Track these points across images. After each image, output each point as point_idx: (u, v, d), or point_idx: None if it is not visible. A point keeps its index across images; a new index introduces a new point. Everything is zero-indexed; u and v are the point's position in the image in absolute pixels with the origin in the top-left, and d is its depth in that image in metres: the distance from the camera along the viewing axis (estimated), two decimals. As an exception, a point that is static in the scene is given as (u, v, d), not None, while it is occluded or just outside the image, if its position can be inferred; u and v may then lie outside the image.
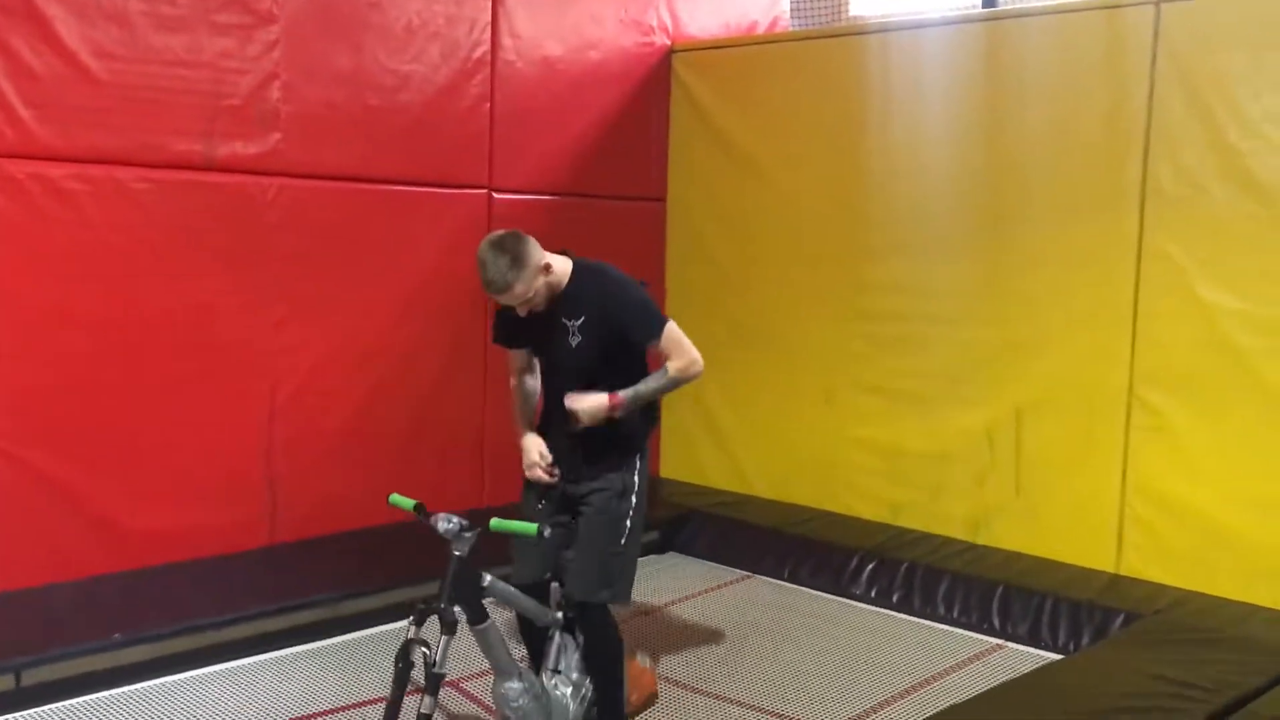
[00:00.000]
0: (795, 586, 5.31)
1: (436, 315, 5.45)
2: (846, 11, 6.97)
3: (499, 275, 3.14)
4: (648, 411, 3.50)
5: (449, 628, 2.96)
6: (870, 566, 5.16)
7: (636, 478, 3.45)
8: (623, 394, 3.29)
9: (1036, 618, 4.65)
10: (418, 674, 2.98)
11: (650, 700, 3.91)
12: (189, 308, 4.65)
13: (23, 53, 4.12)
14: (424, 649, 2.95)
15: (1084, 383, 5.05)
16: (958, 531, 5.45)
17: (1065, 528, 5.13)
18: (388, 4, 5.14)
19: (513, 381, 3.55)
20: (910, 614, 4.94)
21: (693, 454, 6.59)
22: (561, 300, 3.33)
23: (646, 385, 3.34)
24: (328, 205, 5.03)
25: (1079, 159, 5.02)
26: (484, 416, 5.74)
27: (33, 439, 4.29)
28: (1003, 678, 4.07)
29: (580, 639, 3.49)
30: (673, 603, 5.04)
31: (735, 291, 6.34)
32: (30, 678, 3.71)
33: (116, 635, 3.91)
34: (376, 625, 4.51)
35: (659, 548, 5.77)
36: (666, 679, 4.15)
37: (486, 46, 5.56)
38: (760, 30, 6.95)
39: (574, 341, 3.33)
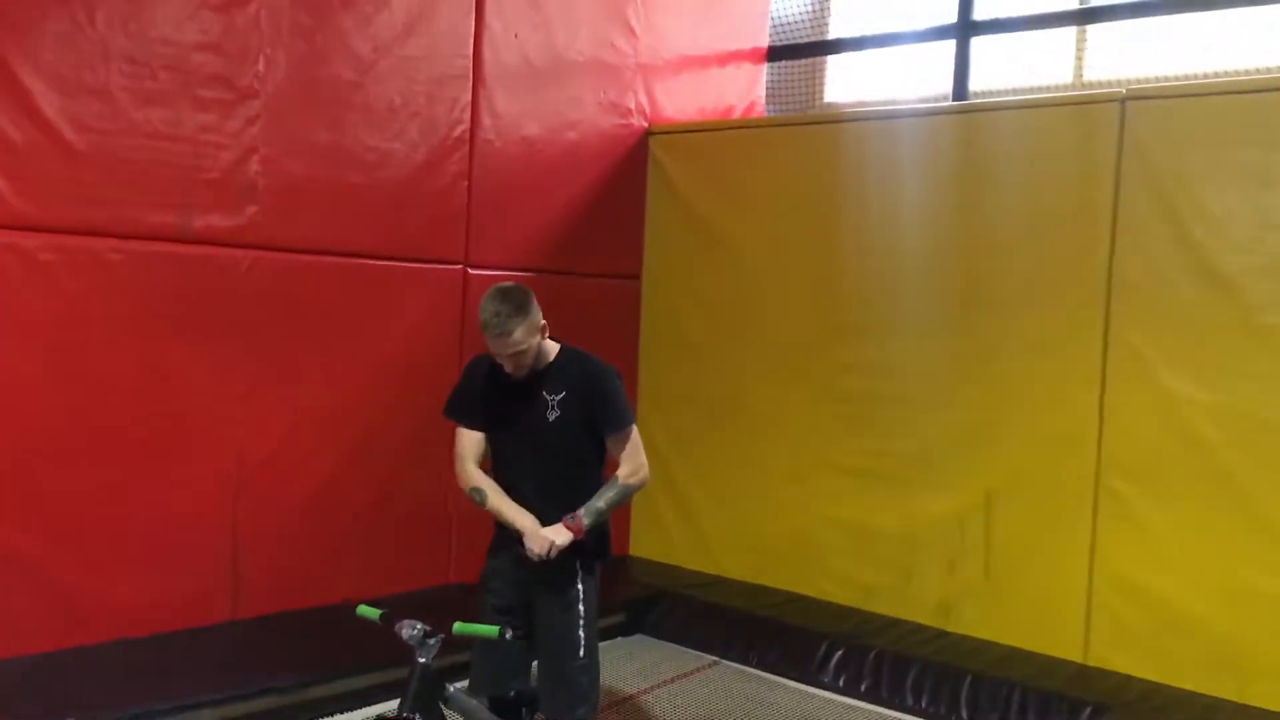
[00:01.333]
0: (763, 674, 5.25)
1: (407, 388, 5.43)
2: (821, 99, 7.12)
3: (501, 319, 3.17)
4: (603, 533, 3.50)
5: None
6: (839, 654, 5.12)
7: (581, 587, 3.42)
8: (582, 515, 3.31)
9: (1005, 709, 4.62)
10: None
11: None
12: (158, 377, 4.62)
13: (2, 124, 4.13)
14: None
15: (1051, 469, 5.08)
16: (928, 617, 5.43)
17: (1033, 615, 5.12)
18: (370, 83, 5.21)
19: (470, 467, 3.44)
20: (878, 704, 4.90)
21: (663, 532, 6.56)
22: (545, 374, 3.37)
23: (601, 500, 3.37)
24: (302, 278, 5.04)
25: (1048, 247, 5.11)
26: (451, 491, 5.68)
27: (-8, 510, 4.22)
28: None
29: None
30: (640, 693, 4.97)
31: (709, 369, 6.37)
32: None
33: (69, 718, 3.80)
34: (340, 713, 4.42)
35: (626, 630, 5.71)
36: None
37: (467, 125, 5.62)
38: (736, 114, 7.07)
39: (552, 416, 3.34)
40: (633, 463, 3.41)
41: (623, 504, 3.46)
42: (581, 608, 3.40)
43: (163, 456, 4.67)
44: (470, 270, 5.71)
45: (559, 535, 3.27)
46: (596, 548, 3.47)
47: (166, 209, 4.58)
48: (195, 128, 4.62)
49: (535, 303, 3.27)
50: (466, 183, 5.65)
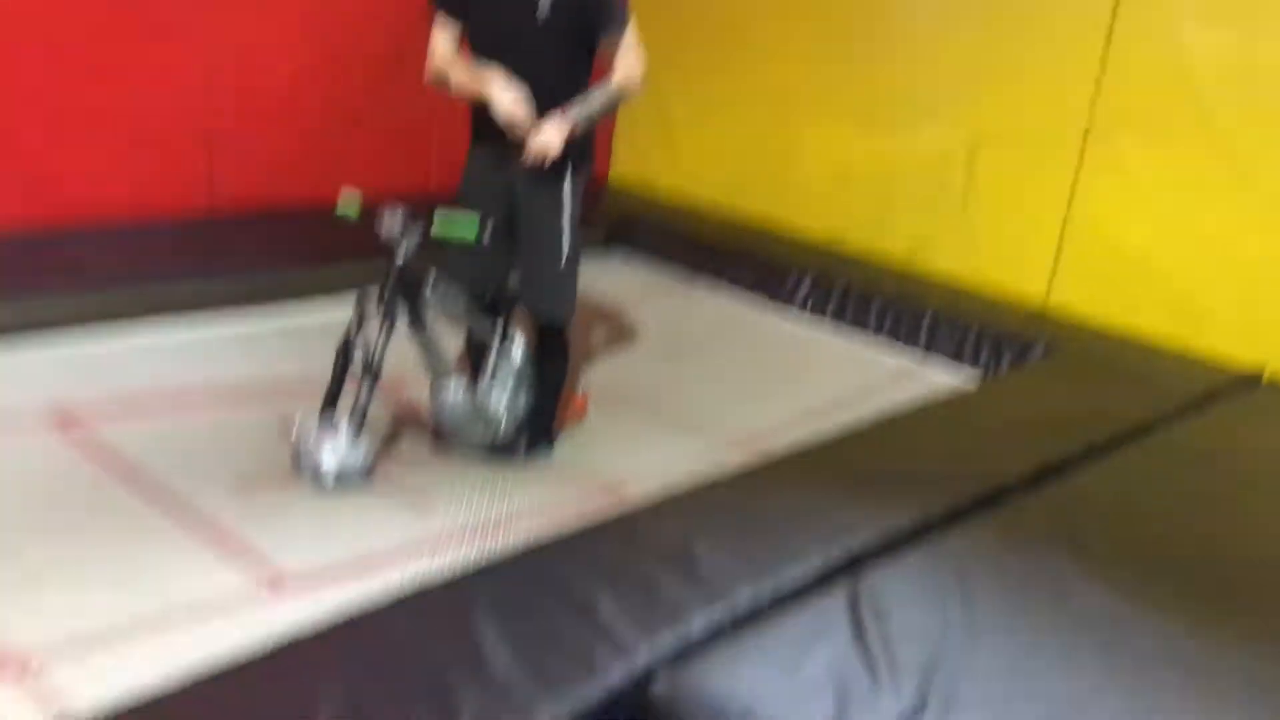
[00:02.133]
0: (737, 297, 5.39)
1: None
2: None
3: None
4: (588, 132, 3.33)
5: (388, 326, 2.99)
6: (809, 281, 5.22)
7: (568, 186, 3.33)
8: (573, 111, 3.13)
9: (961, 342, 4.78)
10: (356, 369, 3.03)
11: (576, 420, 3.88)
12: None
13: None
14: (364, 344, 3.00)
15: (1044, 115, 4.96)
16: (899, 256, 5.51)
17: (1004, 255, 5.18)
18: None
19: (437, 60, 3.26)
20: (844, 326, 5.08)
21: (644, 157, 6.49)
22: None
23: (593, 100, 3.18)
24: None
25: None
26: (434, 96, 5.53)
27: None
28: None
29: (518, 352, 3.49)
30: (620, 308, 5.03)
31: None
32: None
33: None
34: (315, 305, 4.44)
35: (605, 246, 5.76)
36: (596, 392, 4.06)
37: None
38: None
39: (541, 16, 3.12)
40: (631, 65, 3.20)
41: (614, 108, 3.30)
42: (567, 209, 3.33)
43: (134, 40, 4.49)
44: None
45: (558, 133, 3.09)
46: (583, 149, 3.35)
47: None
48: None
49: None
50: None
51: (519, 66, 3.16)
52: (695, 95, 6.20)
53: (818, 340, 5.00)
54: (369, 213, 3.09)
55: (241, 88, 4.87)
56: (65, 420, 3.37)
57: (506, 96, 3.08)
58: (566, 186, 3.33)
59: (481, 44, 3.24)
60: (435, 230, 3.07)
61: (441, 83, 3.28)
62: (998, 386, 4.24)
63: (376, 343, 3.02)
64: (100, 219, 4.57)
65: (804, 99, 5.78)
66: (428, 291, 3.20)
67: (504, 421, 3.46)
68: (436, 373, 3.32)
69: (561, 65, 3.20)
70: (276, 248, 4.66)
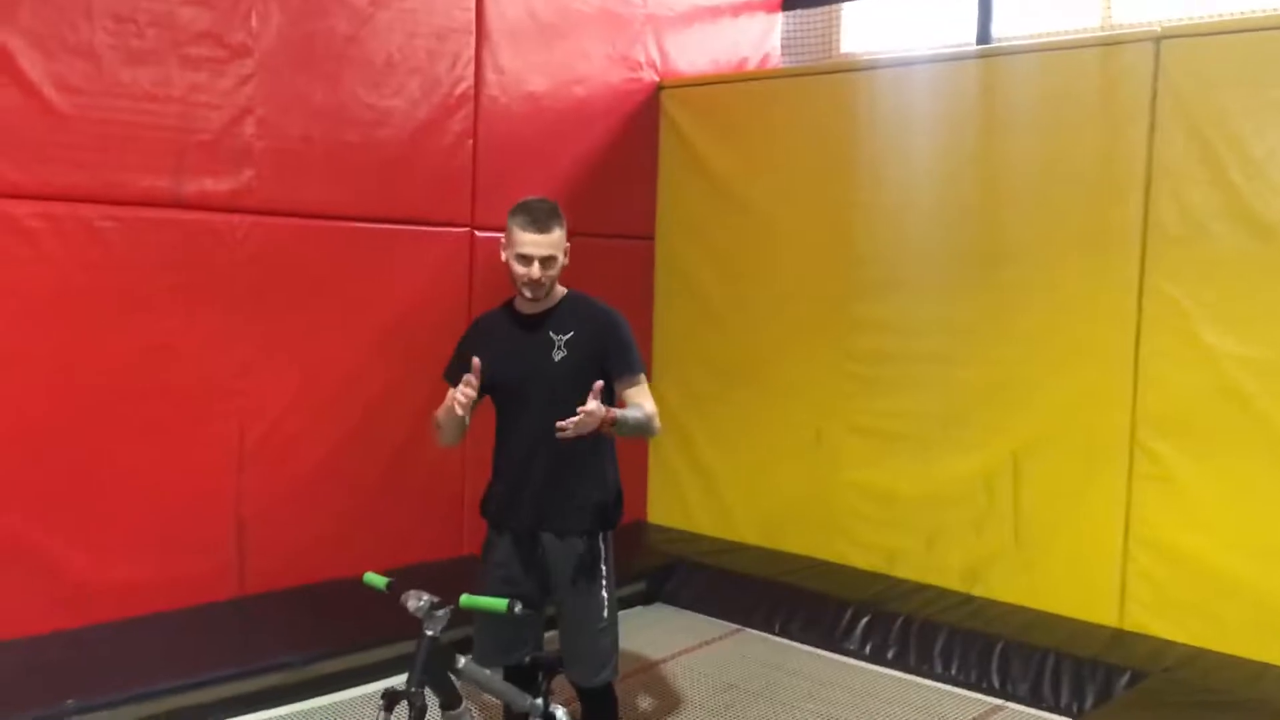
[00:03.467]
0: (787, 642, 5.10)
1: (414, 356, 5.24)
2: (838, 48, 6.87)
3: (545, 214, 3.12)
4: (618, 492, 3.36)
5: (419, 713, 2.76)
6: (864, 620, 4.96)
7: (603, 547, 3.31)
8: (617, 411, 3.08)
9: (1038, 676, 4.45)
10: None
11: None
12: (153, 349, 4.46)
13: (-17, 87, 3.97)
14: None
15: (1083, 426, 4.88)
16: (954, 582, 5.26)
17: (1065, 578, 4.94)
18: (367, 37, 5.00)
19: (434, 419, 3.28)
20: (906, 671, 4.75)
21: (680, 498, 6.41)
22: (552, 312, 3.24)
23: (631, 413, 3.14)
24: (301, 243, 4.86)
25: (1078, 197, 4.88)
26: (464, 458, 5.54)
27: (-15, 488, 4.09)
28: (1004, 742, 3.89)
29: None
30: (660, 661, 4.83)
31: (723, 330, 6.18)
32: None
33: (70, 702, 3.68)
34: (349, 688, 4.30)
35: (646, 599, 5.57)
36: None
37: (470, 82, 5.42)
38: (750, 66, 6.83)
39: (558, 356, 3.18)
40: (650, 405, 3.21)
41: (641, 435, 3.24)
42: (604, 568, 3.28)
43: (162, 431, 4.51)
44: (477, 233, 5.53)
45: (599, 411, 2.95)
46: (615, 506, 3.34)
47: (158, 173, 4.40)
48: (186, 87, 4.44)
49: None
50: (471, 141, 5.45)
51: (540, 410, 3.13)
52: (723, 434, 6.19)
53: (880, 684, 4.66)
54: (395, 586, 2.94)
55: (272, 471, 4.86)
56: None
57: (457, 391, 3.02)
58: (602, 545, 3.29)
59: (501, 391, 3.25)
60: (463, 602, 2.92)
61: (437, 428, 3.27)
62: (1090, 726, 3.88)
63: None
64: (124, 615, 4.43)
65: (833, 428, 5.74)
66: (459, 667, 2.99)
67: None
68: None
69: (581, 403, 3.06)
70: (310, 634, 4.48)
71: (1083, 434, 4.89)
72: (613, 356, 3.21)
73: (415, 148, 5.23)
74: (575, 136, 5.97)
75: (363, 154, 5.03)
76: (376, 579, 2.99)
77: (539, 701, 3.22)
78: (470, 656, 3.13)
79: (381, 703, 2.79)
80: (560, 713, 3.27)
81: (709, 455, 6.28)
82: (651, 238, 6.49)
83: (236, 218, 4.64)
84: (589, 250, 5.98)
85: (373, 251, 5.14)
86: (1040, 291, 4.99)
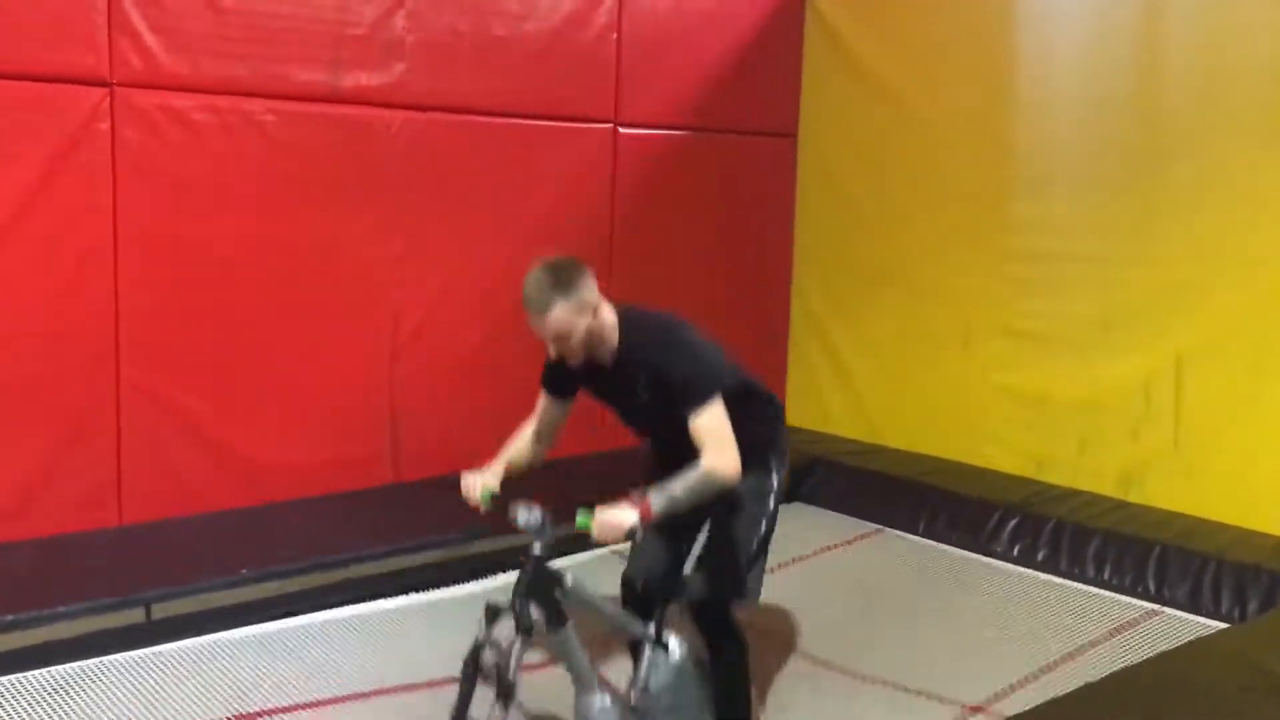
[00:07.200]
0: (929, 542, 5.05)
1: (559, 250, 5.25)
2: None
3: (539, 293, 2.78)
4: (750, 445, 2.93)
5: (524, 631, 2.66)
6: (1013, 523, 4.87)
7: (774, 479, 3.11)
8: (654, 502, 2.77)
9: (1197, 581, 4.32)
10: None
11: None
12: (313, 240, 4.60)
13: (149, -20, 4.07)
14: (496, 654, 2.65)
15: (1255, 333, 4.64)
16: (1108, 488, 5.11)
17: (1228, 487, 4.75)
18: (513, -72, 4.96)
19: (532, 426, 3.19)
20: (1056, 575, 4.66)
21: (818, 400, 6.35)
22: (619, 360, 2.96)
23: (680, 485, 2.80)
24: (450, 138, 4.91)
25: (1263, 81, 4.56)
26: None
27: (159, 369, 4.29)
28: (1161, 647, 3.78)
29: (676, 656, 3.07)
30: (799, 559, 4.80)
31: (869, 230, 6.04)
32: (160, 611, 3.71)
33: (245, 570, 3.89)
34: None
35: (783, 497, 5.55)
36: (793, 652, 3.86)
37: (614, -28, 5.35)
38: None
39: (644, 396, 2.95)
40: (715, 453, 2.79)
41: (705, 495, 2.82)
42: (772, 500, 3.08)
43: (326, 320, 4.68)
44: (620, 129, 5.49)
45: (626, 518, 2.71)
46: (776, 448, 3.15)
47: (316, 67, 4.48)
48: (340, -20, 4.49)
49: (586, 278, 2.84)
50: (615, 34, 5.39)
51: (655, 433, 3.11)
52: (866, 337, 6.10)
53: (1028, 586, 4.59)
54: (499, 499, 2.89)
55: (422, 363, 4.98)
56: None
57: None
58: (767, 478, 3.09)
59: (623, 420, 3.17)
60: (580, 524, 2.73)
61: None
62: (1255, 631, 3.74)
63: (510, 653, 2.65)
64: (291, 496, 4.63)
65: (984, 330, 5.60)
66: (566, 586, 2.85)
67: None
68: (581, 686, 2.90)
69: (685, 434, 2.86)
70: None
71: (1254, 341, 4.65)
72: (678, 402, 2.85)
73: (561, 41, 5.19)
74: (718, 30, 5.84)
75: (509, 48, 5.02)
76: (486, 495, 2.93)
77: (651, 630, 3.04)
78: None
79: (483, 617, 2.70)
80: (674, 641, 3.07)
81: (850, 358, 6.20)
82: (794, 135, 6.34)
83: (389, 113, 4.70)
84: (730, 147, 5.94)
85: (519, 147, 5.15)
86: (1219, 188, 4.71)
